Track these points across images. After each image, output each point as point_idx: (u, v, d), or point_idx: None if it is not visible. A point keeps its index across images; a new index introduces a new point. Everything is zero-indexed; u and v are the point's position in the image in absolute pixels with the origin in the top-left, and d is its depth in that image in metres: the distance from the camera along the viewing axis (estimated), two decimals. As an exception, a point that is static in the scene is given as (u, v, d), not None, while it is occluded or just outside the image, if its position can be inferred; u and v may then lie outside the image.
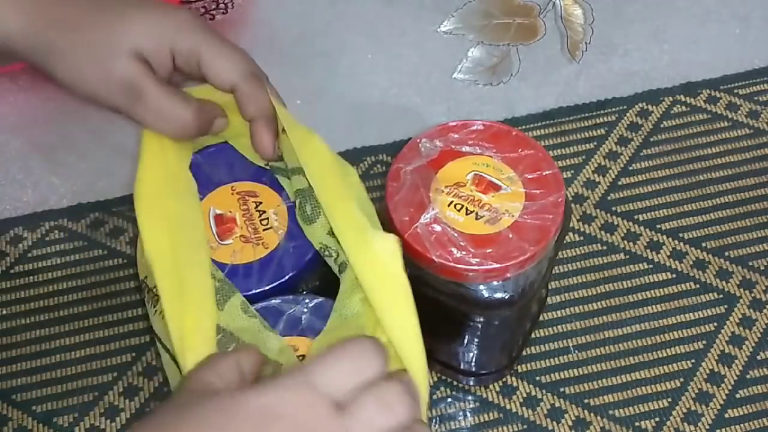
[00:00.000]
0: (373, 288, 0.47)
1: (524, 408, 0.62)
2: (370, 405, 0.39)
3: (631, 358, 0.64)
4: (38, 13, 0.51)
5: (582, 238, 0.69)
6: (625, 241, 0.69)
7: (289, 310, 0.50)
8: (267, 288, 0.51)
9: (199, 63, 0.52)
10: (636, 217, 0.70)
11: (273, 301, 0.51)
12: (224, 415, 0.38)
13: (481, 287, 0.54)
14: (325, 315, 0.50)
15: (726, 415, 0.62)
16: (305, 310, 0.51)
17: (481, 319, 0.57)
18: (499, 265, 0.52)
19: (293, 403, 0.38)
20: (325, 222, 0.52)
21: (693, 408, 0.62)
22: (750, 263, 0.68)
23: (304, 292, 0.53)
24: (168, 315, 0.47)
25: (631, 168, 0.73)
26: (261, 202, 0.54)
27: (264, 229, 0.53)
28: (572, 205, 0.71)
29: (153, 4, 0.53)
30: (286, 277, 0.52)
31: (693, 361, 0.64)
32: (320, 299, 0.51)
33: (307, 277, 0.53)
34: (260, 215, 0.54)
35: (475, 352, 0.61)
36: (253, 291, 0.51)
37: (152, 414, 0.40)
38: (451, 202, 0.54)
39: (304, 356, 0.49)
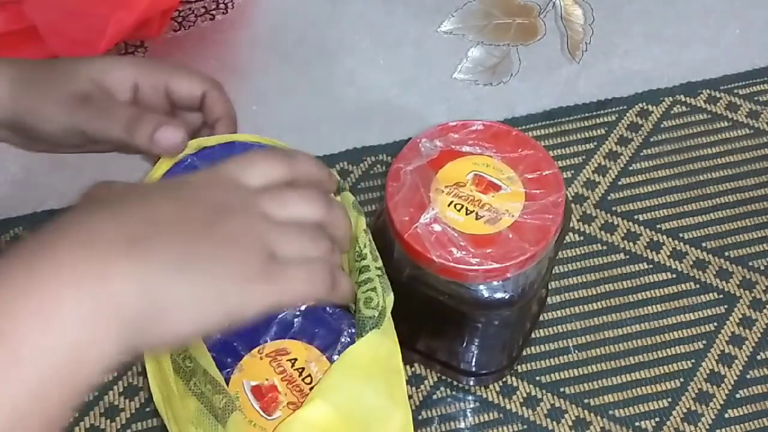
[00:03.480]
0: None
1: (524, 408, 0.62)
2: (289, 192, 0.42)
3: (631, 358, 0.64)
4: (15, 83, 0.53)
5: (582, 238, 0.69)
6: (625, 241, 0.69)
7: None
8: None
9: (166, 86, 0.55)
10: (636, 217, 0.70)
11: None
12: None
13: (481, 287, 0.54)
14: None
15: (726, 415, 0.62)
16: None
17: (481, 319, 0.57)
18: (499, 265, 0.52)
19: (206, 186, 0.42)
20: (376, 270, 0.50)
21: (693, 408, 0.62)
22: (750, 263, 0.68)
23: None
24: None
25: (631, 168, 0.73)
26: (296, 359, 0.49)
27: (310, 387, 0.48)
28: (572, 205, 0.71)
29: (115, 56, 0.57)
30: None
31: (693, 361, 0.64)
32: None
33: None
34: (300, 373, 0.49)
35: (475, 352, 0.61)
36: None
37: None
38: (451, 202, 0.54)
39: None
